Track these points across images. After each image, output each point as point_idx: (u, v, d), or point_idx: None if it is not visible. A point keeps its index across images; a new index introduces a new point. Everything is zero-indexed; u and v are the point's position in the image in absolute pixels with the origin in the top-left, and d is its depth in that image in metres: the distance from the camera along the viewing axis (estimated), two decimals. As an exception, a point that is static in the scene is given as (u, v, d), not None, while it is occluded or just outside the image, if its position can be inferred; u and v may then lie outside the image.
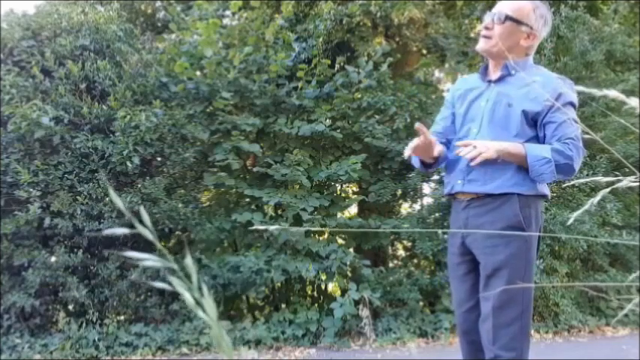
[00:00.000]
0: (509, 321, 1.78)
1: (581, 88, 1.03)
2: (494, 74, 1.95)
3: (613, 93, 0.88)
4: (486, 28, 1.89)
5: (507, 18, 1.85)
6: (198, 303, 0.57)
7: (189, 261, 0.59)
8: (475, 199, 1.89)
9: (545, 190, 1.88)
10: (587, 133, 1.18)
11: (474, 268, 1.93)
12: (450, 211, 2.09)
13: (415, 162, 2.06)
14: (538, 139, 1.85)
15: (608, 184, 1.04)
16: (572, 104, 1.84)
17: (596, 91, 0.90)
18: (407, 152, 1.85)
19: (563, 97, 1.81)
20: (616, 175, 1.08)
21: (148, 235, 0.56)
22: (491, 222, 1.83)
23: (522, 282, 1.77)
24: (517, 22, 1.86)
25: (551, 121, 1.81)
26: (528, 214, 1.82)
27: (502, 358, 1.78)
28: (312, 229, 5.11)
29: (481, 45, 1.91)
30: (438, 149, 1.89)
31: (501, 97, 1.88)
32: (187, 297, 0.57)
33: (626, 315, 5.43)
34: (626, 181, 0.95)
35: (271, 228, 1.15)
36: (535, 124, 1.85)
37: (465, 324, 1.96)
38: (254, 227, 1.36)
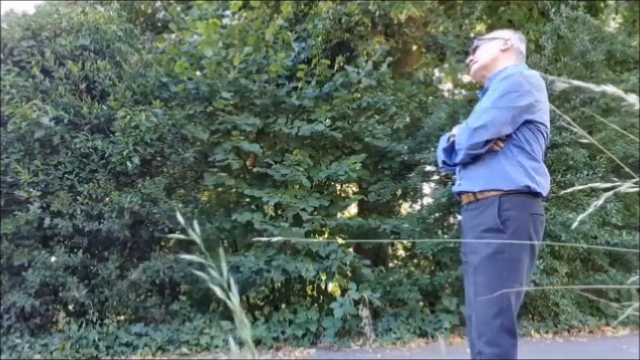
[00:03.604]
0: (490, 317, 1.84)
1: (577, 82, 1.02)
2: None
3: (611, 88, 0.88)
4: (470, 60, 2.19)
5: (481, 40, 2.18)
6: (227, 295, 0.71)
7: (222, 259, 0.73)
8: (468, 203, 2.02)
9: (527, 181, 1.89)
10: (586, 137, 1.18)
11: None
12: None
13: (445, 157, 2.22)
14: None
15: (610, 189, 1.04)
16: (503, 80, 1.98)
17: (593, 86, 0.90)
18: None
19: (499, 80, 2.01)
20: (615, 177, 1.08)
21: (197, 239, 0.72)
22: (476, 225, 1.95)
23: (503, 281, 1.82)
24: (490, 39, 2.17)
25: None
26: (510, 216, 1.87)
27: (485, 353, 1.83)
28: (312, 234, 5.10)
29: (471, 70, 2.19)
30: None
31: (481, 104, 2.06)
32: (217, 290, 0.71)
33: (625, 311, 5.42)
34: (626, 186, 0.96)
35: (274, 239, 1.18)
36: None
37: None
38: (258, 239, 1.36)
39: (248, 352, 0.69)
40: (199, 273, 0.75)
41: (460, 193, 2.08)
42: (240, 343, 0.74)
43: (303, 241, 5.09)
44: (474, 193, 1.98)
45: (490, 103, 1.92)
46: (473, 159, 1.99)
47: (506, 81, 1.94)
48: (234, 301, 0.69)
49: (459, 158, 2.01)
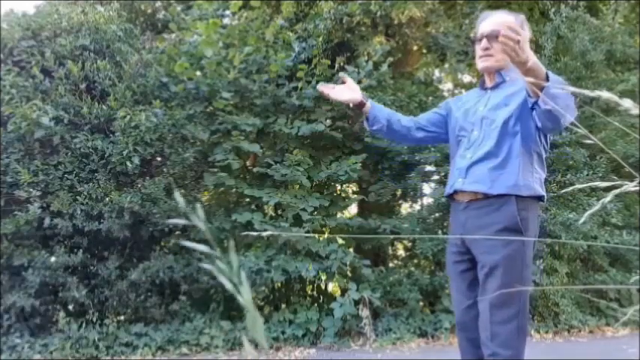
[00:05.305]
0: (506, 319, 1.83)
1: (572, 89, 1.03)
2: (490, 83, 2.06)
3: (606, 94, 0.88)
4: (486, 49, 1.97)
5: (499, 26, 1.88)
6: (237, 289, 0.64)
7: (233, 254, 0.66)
8: (474, 201, 1.94)
9: (541, 191, 1.92)
10: (587, 137, 1.18)
11: (473, 266, 1.98)
12: (449, 211, 2.13)
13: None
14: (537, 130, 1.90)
15: (610, 187, 1.04)
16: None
17: (588, 92, 0.90)
18: (320, 87, 2.11)
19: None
20: (615, 177, 1.08)
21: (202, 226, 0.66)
22: (490, 223, 1.88)
23: (519, 282, 1.81)
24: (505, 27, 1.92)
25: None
26: (526, 216, 1.87)
27: (500, 354, 1.83)
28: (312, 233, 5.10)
29: (484, 64, 2.00)
30: (355, 94, 2.12)
31: (497, 100, 1.97)
32: (226, 283, 0.64)
33: (625, 313, 5.43)
34: (626, 186, 0.96)
35: (265, 233, 1.15)
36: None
37: (464, 321, 2.00)
38: (257, 233, 1.35)
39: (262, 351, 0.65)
40: (207, 266, 0.68)
41: (457, 192, 1.98)
42: (251, 342, 0.71)
43: (298, 235, 5.08)
44: (484, 193, 1.89)
45: None
46: (488, 159, 1.90)
47: None
48: (246, 297, 0.62)
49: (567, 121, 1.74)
